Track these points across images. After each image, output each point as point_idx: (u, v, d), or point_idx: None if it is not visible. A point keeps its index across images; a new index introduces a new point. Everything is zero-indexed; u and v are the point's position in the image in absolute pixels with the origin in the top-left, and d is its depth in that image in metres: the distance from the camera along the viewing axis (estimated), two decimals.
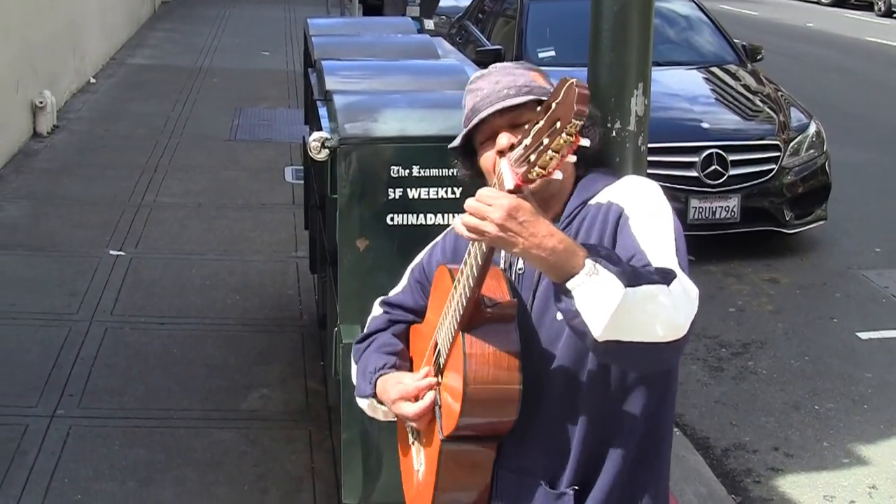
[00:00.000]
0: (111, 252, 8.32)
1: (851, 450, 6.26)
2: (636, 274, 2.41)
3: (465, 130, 2.82)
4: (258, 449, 5.75)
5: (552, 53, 10.96)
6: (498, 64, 2.89)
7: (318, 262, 6.59)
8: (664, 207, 2.72)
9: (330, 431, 5.83)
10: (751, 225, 9.37)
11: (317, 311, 7.04)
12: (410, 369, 2.99)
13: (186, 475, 5.48)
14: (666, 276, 2.46)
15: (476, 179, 2.87)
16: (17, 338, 6.82)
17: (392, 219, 4.36)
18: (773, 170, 9.41)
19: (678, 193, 8.88)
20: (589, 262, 2.37)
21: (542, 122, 2.27)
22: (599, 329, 2.37)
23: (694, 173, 9.12)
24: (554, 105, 2.24)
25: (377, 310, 3.18)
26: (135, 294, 7.60)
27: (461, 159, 2.91)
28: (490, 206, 2.37)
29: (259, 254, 8.51)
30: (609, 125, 4.47)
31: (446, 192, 4.34)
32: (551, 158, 2.27)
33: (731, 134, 9.61)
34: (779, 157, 9.47)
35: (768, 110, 10.18)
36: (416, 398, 2.83)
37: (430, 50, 6.07)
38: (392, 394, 2.89)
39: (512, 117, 2.72)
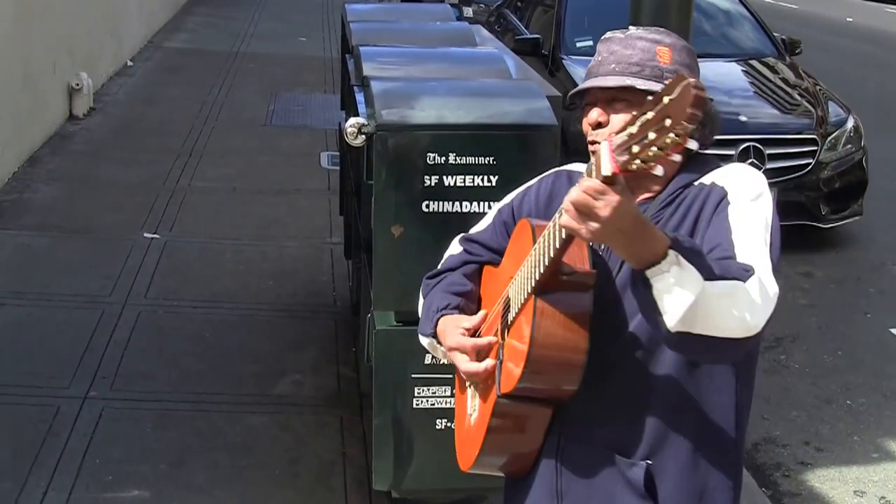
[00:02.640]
0: (146, 235, 8.35)
1: (882, 445, 6.23)
2: (717, 267, 2.38)
3: (577, 88, 2.77)
4: (290, 434, 5.76)
5: (590, 43, 10.92)
6: (632, 30, 2.81)
7: (352, 248, 6.59)
8: (766, 199, 2.71)
9: (361, 417, 5.84)
10: (786, 219, 9.16)
11: (350, 297, 7.04)
12: (477, 311, 2.96)
13: (218, 459, 5.50)
14: (745, 273, 2.42)
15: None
16: (50, 319, 6.84)
17: (427, 206, 4.35)
18: (809, 164, 9.38)
19: None
20: (671, 254, 2.32)
21: (651, 115, 2.15)
22: (674, 321, 2.34)
23: None
24: (666, 100, 2.12)
25: (456, 247, 3.14)
26: (169, 278, 7.62)
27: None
28: (597, 202, 2.26)
29: (294, 239, 8.52)
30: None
31: (482, 179, 4.33)
32: (654, 155, 2.15)
33: (768, 128, 9.57)
34: (816, 151, 9.44)
35: (806, 104, 10.14)
36: (477, 354, 2.80)
37: (468, 37, 6.05)
38: (449, 341, 2.89)
39: (612, 94, 2.70)
